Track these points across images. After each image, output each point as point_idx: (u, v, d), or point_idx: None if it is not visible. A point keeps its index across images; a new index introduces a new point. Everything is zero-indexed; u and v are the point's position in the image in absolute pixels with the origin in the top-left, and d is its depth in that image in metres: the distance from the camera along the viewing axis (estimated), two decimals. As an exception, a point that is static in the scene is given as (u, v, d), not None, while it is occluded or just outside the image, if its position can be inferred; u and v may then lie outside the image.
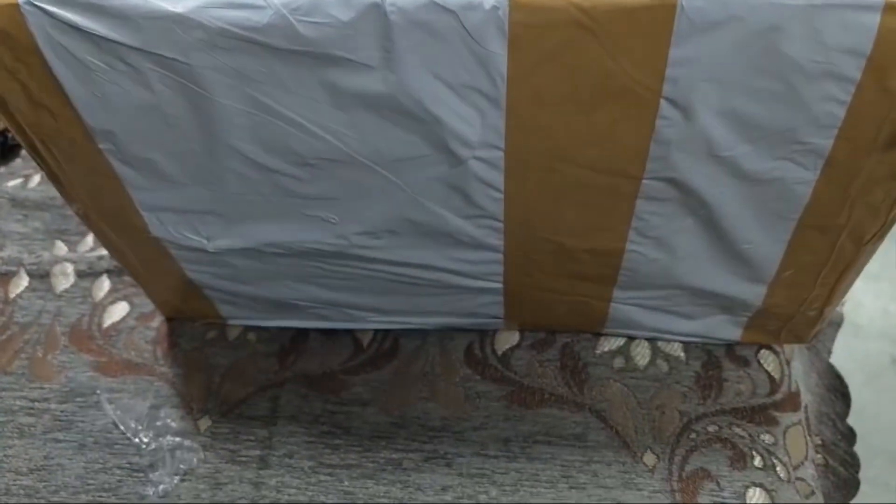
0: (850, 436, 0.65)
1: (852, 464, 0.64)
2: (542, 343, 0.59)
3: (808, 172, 0.41)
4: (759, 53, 0.34)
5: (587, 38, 0.34)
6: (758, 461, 0.54)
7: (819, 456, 0.64)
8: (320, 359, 0.59)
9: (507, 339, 0.60)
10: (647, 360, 0.58)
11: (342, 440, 0.56)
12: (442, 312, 0.56)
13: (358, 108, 0.38)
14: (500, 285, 0.52)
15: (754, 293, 0.50)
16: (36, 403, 0.58)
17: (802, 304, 0.52)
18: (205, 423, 0.57)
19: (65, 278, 0.64)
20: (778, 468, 0.54)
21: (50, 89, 0.39)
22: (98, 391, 0.57)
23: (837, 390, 0.66)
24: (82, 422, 0.57)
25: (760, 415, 0.56)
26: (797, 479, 0.55)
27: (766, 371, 0.58)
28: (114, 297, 0.63)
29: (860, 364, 1.11)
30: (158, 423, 0.56)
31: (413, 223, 0.46)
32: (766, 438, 0.55)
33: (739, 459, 0.54)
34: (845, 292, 0.51)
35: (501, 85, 0.37)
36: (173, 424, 0.56)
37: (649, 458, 0.54)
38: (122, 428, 0.56)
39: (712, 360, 0.58)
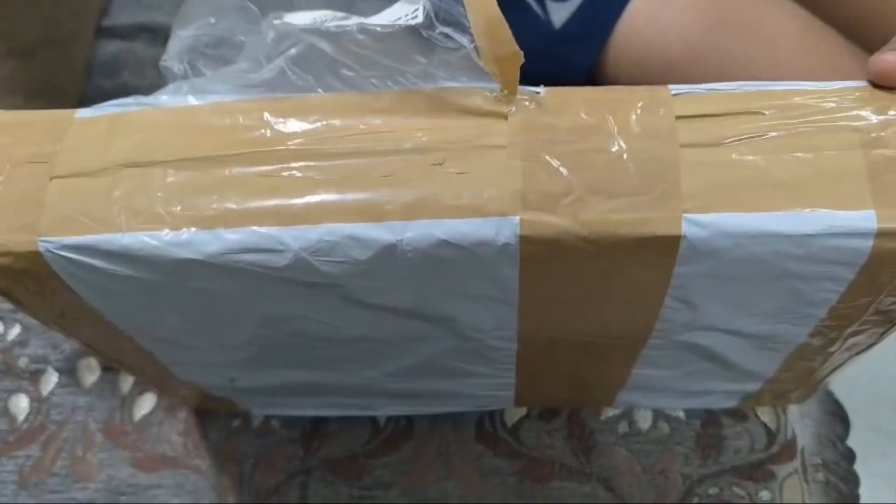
0: (849, 455, 0.69)
1: (852, 481, 0.68)
2: (550, 413, 0.63)
3: (801, 329, 0.43)
4: (759, 267, 0.35)
5: (594, 261, 0.35)
6: (756, 520, 0.59)
7: (820, 475, 0.68)
8: (341, 442, 0.63)
9: (517, 412, 0.63)
10: (649, 423, 0.62)
11: (370, 525, 0.60)
12: (454, 406, 0.60)
13: (378, 312, 0.40)
14: (510, 393, 0.55)
15: (749, 388, 0.53)
16: (84, 504, 0.63)
17: (796, 388, 0.55)
18: (241, 514, 0.61)
19: (91, 372, 0.67)
20: (775, 524, 0.59)
21: (75, 302, 0.41)
22: None
23: (837, 414, 0.69)
24: (128, 520, 0.62)
25: (758, 471, 0.60)
26: (794, 531, 0.59)
27: (763, 423, 0.62)
28: (140, 388, 0.66)
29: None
30: (199, 522, 0.61)
31: (432, 370, 0.49)
32: (764, 495, 0.60)
33: (739, 520, 0.59)
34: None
35: (514, 296, 0.38)
36: (213, 520, 0.61)
37: (655, 526, 0.59)
38: (166, 534, 0.60)
39: (711, 417, 0.62)
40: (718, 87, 0.35)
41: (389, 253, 0.34)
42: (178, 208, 0.35)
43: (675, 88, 0.35)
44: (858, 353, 0.48)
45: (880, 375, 1.03)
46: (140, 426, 0.65)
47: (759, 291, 0.37)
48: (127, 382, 0.67)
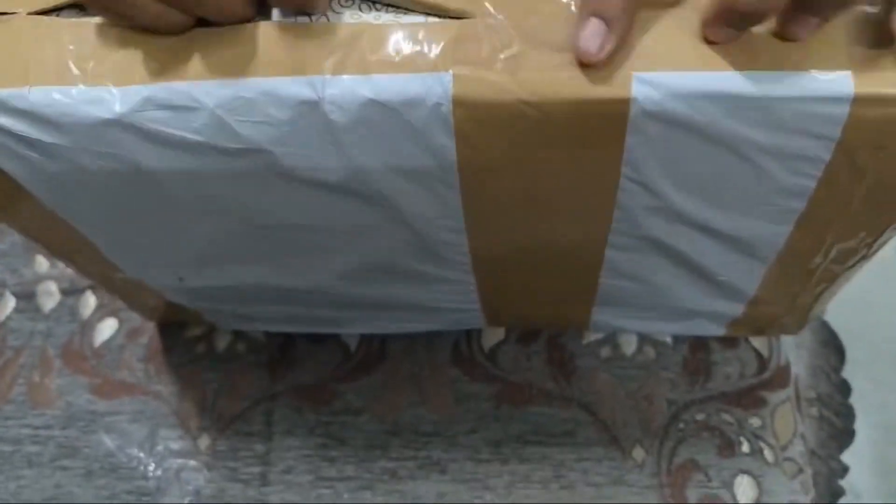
0: (844, 388, 0.65)
1: (847, 414, 0.65)
2: (529, 335, 0.59)
3: (781, 227, 0.39)
4: (722, 138, 0.32)
5: (537, 129, 0.32)
6: (745, 447, 0.55)
7: (814, 409, 0.64)
8: (310, 367, 0.60)
9: (494, 335, 0.59)
10: (633, 348, 0.58)
11: (338, 452, 0.57)
12: (424, 322, 0.56)
13: (313, 190, 0.37)
14: (477, 307, 0.51)
15: (733, 308, 0.49)
16: (40, 431, 0.60)
17: (785, 313, 0.51)
18: (204, 441, 0.58)
19: (50, 297, 0.64)
20: (765, 452, 0.55)
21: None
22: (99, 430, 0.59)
23: (831, 344, 0.66)
24: (87, 447, 0.59)
25: (748, 397, 0.57)
26: (785, 459, 0.55)
27: (755, 349, 0.58)
28: (101, 313, 0.63)
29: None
30: (159, 448, 0.58)
31: (383, 271, 0.45)
32: (754, 422, 0.56)
33: (727, 447, 0.55)
34: (834, 295, 0.50)
35: (452, 175, 0.35)
36: (174, 446, 0.58)
37: (638, 453, 0.55)
38: (124, 460, 0.57)
39: (699, 343, 0.58)
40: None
41: (312, 112, 0.31)
42: (91, 63, 0.32)
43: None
44: (847, 269, 0.44)
45: (879, 325, 1.00)
46: (100, 352, 0.62)
47: (725, 172, 0.33)
48: (87, 307, 0.64)
